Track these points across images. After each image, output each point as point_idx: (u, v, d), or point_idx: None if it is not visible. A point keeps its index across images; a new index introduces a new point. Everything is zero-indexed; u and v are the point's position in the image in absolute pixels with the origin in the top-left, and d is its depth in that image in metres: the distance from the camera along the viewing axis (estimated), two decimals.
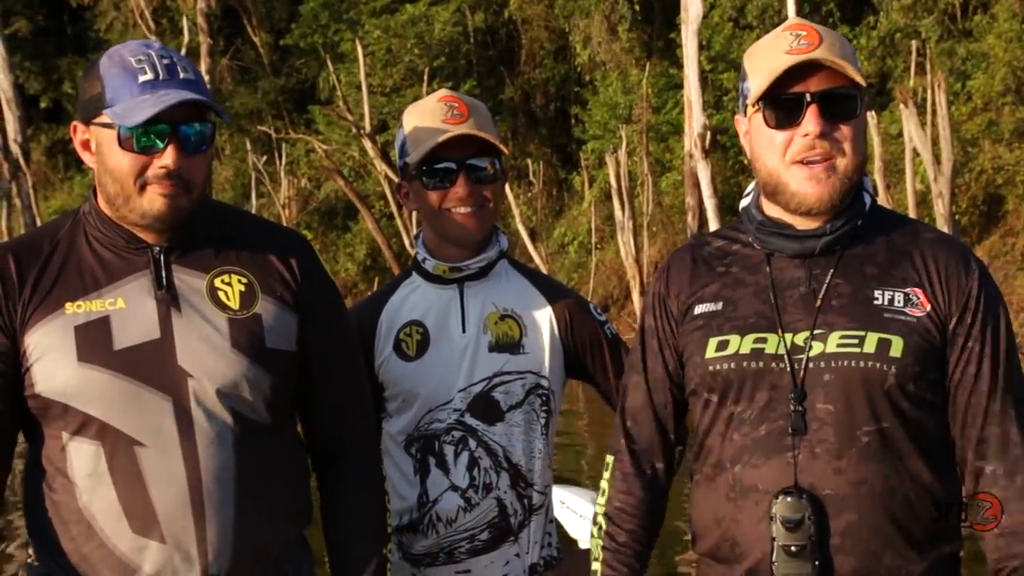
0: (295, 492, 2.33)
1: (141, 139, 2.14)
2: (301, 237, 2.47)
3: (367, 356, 2.69)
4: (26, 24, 29.87)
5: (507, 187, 18.83)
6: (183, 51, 20.12)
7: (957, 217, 15.68)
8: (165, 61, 2.17)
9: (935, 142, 12.56)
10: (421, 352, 2.69)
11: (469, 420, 2.67)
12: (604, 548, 2.35)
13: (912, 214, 12.87)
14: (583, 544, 6.11)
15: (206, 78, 18.70)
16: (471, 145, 2.64)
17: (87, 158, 2.23)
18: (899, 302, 2.13)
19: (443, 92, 2.75)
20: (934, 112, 13.03)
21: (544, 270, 17.99)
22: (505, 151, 2.74)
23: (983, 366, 2.13)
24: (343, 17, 24.69)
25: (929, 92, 13.62)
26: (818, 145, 2.12)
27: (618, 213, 16.91)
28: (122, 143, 2.15)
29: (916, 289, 2.14)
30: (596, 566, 2.36)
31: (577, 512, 6.17)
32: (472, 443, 2.67)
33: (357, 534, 2.38)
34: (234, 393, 2.20)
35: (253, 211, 22.74)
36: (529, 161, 22.77)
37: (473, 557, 2.68)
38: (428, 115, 2.68)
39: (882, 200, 12.79)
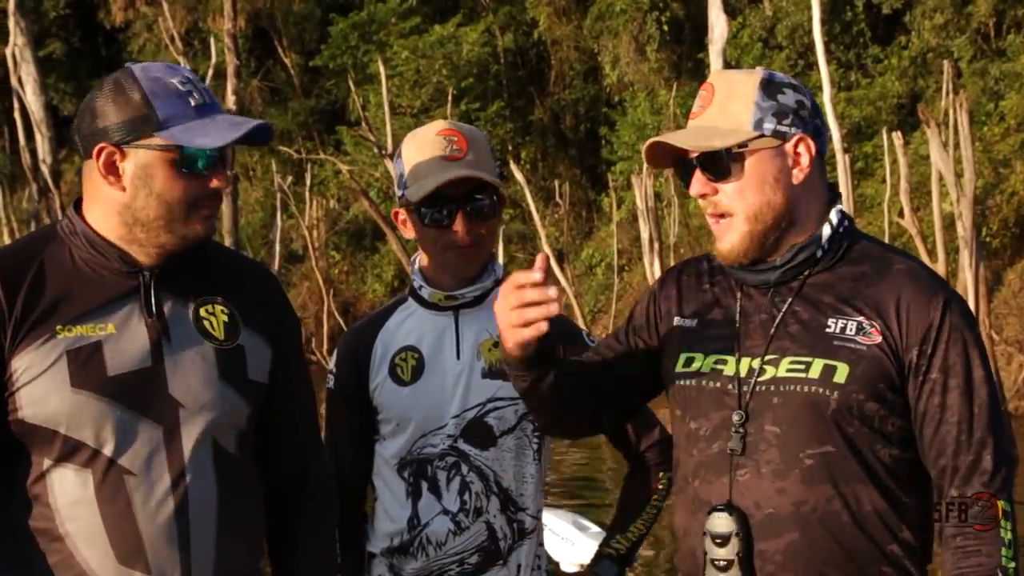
0: (259, 524, 2.35)
1: (209, 160, 2.15)
2: (272, 273, 2.52)
3: (362, 380, 2.73)
4: (61, 46, 30.20)
5: (534, 209, 18.82)
6: (211, 71, 20.23)
7: (988, 239, 15.49)
8: (201, 86, 2.20)
9: (958, 162, 12.42)
10: (416, 377, 2.71)
11: (462, 445, 2.69)
12: None
13: (938, 236, 12.72)
14: (565, 566, 6.16)
15: (231, 99, 18.76)
16: (469, 182, 2.66)
17: (106, 182, 2.16)
18: (851, 330, 2.17)
19: (441, 124, 2.76)
20: (956, 132, 12.89)
21: (570, 292, 17.90)
22: (503, 189, 2.75)
23: (949, 397, 2.14)
24: (372, 38, 24.80)
25: (952, 112, 13.49)
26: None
27: (644, 234, 16.84)
28: (183, 165, 2.13)
29: (870, 319, 2.17)
30: None
31: (559, 534, 6.20)
32: (464, 468, 2.69)
33: (314, 571, 2.40)
34: (220, 424, 2.21)
35: (279, 232, 22.98)
36: (556, 182, 22.73)
37: None
38: (427, 149, 2.69)
39: (908, 222, 12.62)
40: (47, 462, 2.14)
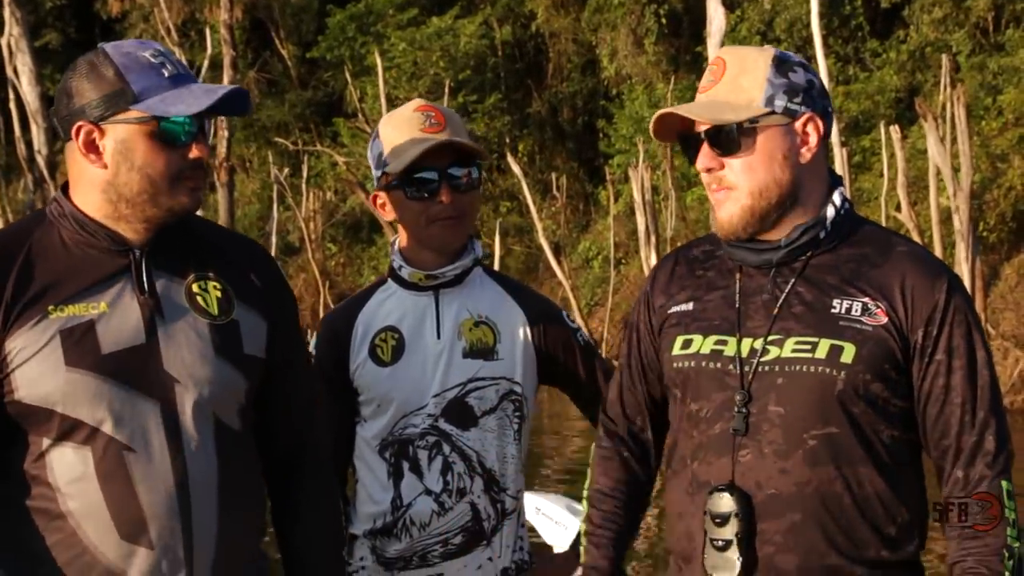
0: (260, 500, 2.35)
1: (187, 130, 2.15)
2: (263, 247, 2.51)
3: (343, 361, 2.73)
4: (57, 36, 30.13)
5: (531, 201, 18.79)
6: (207, 62, 20.20)
7: (985, 234, 15.46)
8: (173, 58, 2.21)
9: (955, 157, 12.40)
10: (396, 358, 2.71)
11: (443, 425, 2.69)
12: (586, 530, 2.47)
13: (935, 231, 12.71)
14: (559, 550, 6.11)
15: None
16: (450, 154, 2.67)
17: (87, 160, 2.17)
18: (856, 311, 2.16)
19: (418, 102, 2.78)
20: (953, 126, 12.87)
21: (567, 285, 17.88)
22: (486, 156, 2.74)
23: (953, 378, 2.15)
24: (369, 30, 24.75)
25: (949, 106, 13.47)
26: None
27: (640, 228, 16.83)
28: (160, 136, 2.13)
29: (875, 300, 2.16)
30: (581, 546, 2.48)
31: (552, 519, 6.16)
32: (446, 448, 2.69)
33: (321, 543, 2.40)
34: (217, 399, 2.20)
35: (275, 224, 22.94)
36: (554, 175, 22.70)
37: (446, 561, 2.69)
38: (405, 125, 2.70)
39: (905, 217, 12.60)
40: (46, 442, 2.14)
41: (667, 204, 18.81)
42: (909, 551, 2.19)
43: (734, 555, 2.14)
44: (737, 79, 2.20)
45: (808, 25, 16.48)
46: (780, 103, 2.18)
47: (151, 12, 26.69)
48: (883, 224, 13.45)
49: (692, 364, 2.25)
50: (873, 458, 2.14)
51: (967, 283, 12.20)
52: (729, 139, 2.19)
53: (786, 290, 2.20)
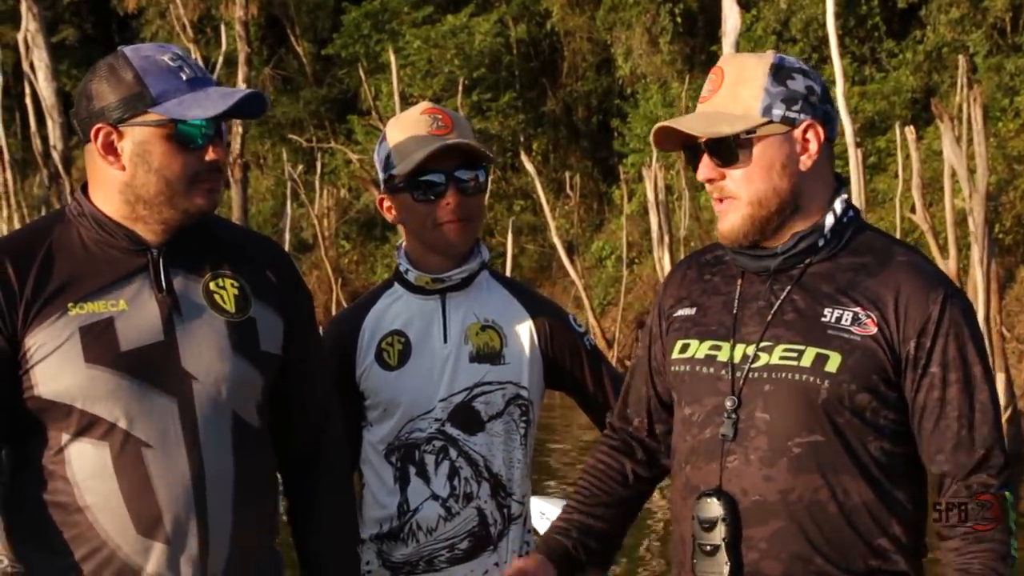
0: (275, 497, 2.38)
1: (204, 132, 2.18)
2: (280, 245, 2.53)
3: (349, 365, 2.72)
4: (74, 32, 30.24)
5: (544, 200, 18.76)
6: (221, 59, 20.24)
7: (1000, 236, 15.37)
8: (191, 61, 2.24)
9: (971, 158, 12.33)
10: (403, 362, 2.70)
11: (450, 430, 2.68)
12: None
13: (950, 233, 12.65)
14: None
15: (243, 87, 18.95)
16: (457, 156, 2.67)
17: (106, 162, 2.20)
18: (846, 320, 2.15)
19: (425, 105, 2.78)
20: (969, 127, 12.79)
21: (580, 284, 17.85)
22: (494, 159, 2.78)
23: (949, 392, 2.12)
24: (385, 27, 24.75)
25: (966, 107, 13.39)
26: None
27: (654, 227, 16.79)
28: (177, 139, 2.17)
29: (867, 310, 2.15)
30: None
31: None
32: (453, 453, 2.68)
33: (337, 540, 2.43)
34: (235, 396, 2.24)
35: (289, 221, 22.97)
36: (567, 174, 22.67)
37: (453, 566, 2.69)
38: (412, 128, 2.70)
39: (920, 218, 12.54)
40: (64, 437, 2.17)
41: (681, 204, 18.75)
42: (902, 563, 2.16)
43: (722, 560, 2.15)
44: (734, 89, 2.20)
45: (824, 25, 16.41)
46: (778, 112, 2.18)
47: (167, 8, 26.70)
48: (898, 225, 13.33)
49: (687, 368, 2.26)
50: (860, 469, 2.13)
51: (981, 286, 12.11)
52: (727, 150, 2.18)
53: (781, 297, 2.20)
